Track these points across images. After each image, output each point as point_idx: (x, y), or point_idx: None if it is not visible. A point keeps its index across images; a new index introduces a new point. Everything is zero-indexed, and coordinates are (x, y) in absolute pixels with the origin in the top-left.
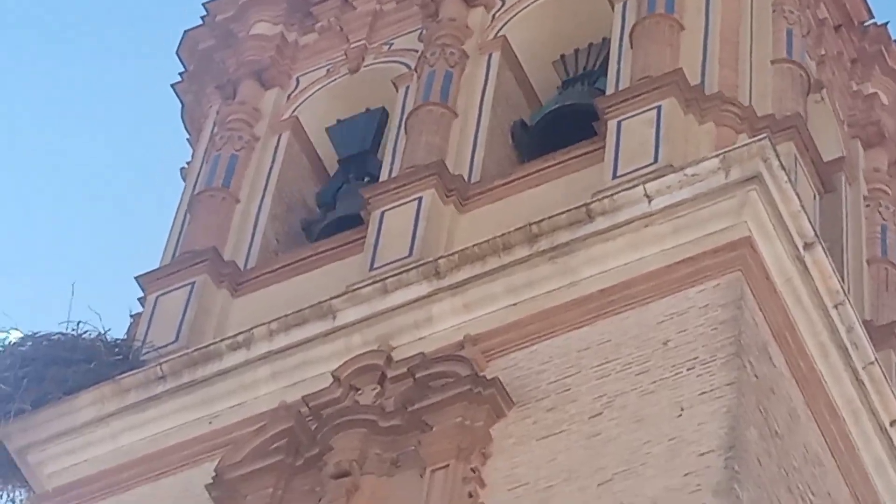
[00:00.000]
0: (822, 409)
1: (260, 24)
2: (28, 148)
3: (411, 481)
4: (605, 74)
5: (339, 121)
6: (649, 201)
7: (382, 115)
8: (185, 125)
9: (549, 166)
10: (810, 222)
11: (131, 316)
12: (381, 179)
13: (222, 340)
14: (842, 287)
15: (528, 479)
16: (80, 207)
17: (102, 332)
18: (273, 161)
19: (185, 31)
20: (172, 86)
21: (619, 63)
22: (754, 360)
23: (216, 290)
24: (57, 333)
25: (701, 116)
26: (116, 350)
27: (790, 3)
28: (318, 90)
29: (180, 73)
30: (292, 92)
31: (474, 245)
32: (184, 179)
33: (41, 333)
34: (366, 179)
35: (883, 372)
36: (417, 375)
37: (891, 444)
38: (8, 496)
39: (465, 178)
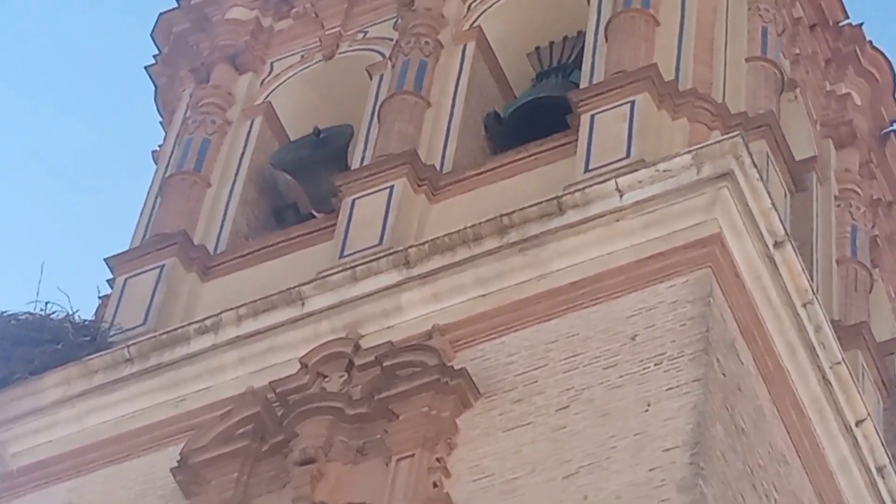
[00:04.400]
0: (789, 407)
1: (235, 9)
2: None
3: (376, 469)
4: (580, 68)
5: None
6: (621, 196)
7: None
8: (157, 108)
9: (521, 158)
10: (781, 221)
11: (100, 297)
12: (353, 167)
13: (190, 324)
14: (811, 286)
15: (493, 470)
16: (51, 187)
17: (71, 312)
18: (245, 146)
19: (160, 14)
20: (146, 68)
21: (593, 57)
22: (722, 357)
23: (185, 273)
24: (25, 313)
25: (674, 112)
26: (84, 331)
27: (766, 1)
28: (292, 76)
29: (154, 56)
30: (266, 77)
31: (445, 235)
32: (155, 162)
33: (9, 313)
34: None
35: (850, 372)
36: (385, 364)
37: (856, 443)
38: None
39: (437, 167)
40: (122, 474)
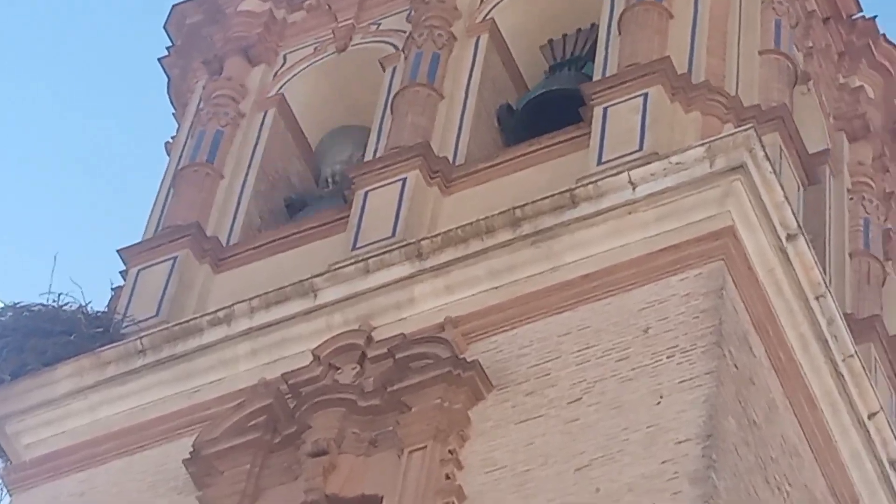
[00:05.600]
0: (801, 400)
1: (248, 1)
2: (14, 119)
3: (389, 461)
4: (593, 60)
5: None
6: (633, 188)
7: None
8: (170, 100)
9: (534, 151)
10: (794, 214)
11: (113, 289)
12: (366, 159)
13: (203, 316)
14: (823, 279)
15: (505, 462)
16: (65, 179)
17: (83, 304)
18: (258, 138)
19: (174, 6)
20: (159, 60)
21: (606, 49)
22: (734, 350)
23: (198, 265)
24: (38, 304)
25: (687, 105)
26: (97, 323)
27: None
28: (305, 68)
29: (167, 48)
30: (279, 69)
31: (457, 227)
32: (168, 154)
33: (22, 304)
34: None
35: (862, 365)
36: (397, 356)
37: (868, 436)
38: None
39: (450, 160)
40: (135, 466)
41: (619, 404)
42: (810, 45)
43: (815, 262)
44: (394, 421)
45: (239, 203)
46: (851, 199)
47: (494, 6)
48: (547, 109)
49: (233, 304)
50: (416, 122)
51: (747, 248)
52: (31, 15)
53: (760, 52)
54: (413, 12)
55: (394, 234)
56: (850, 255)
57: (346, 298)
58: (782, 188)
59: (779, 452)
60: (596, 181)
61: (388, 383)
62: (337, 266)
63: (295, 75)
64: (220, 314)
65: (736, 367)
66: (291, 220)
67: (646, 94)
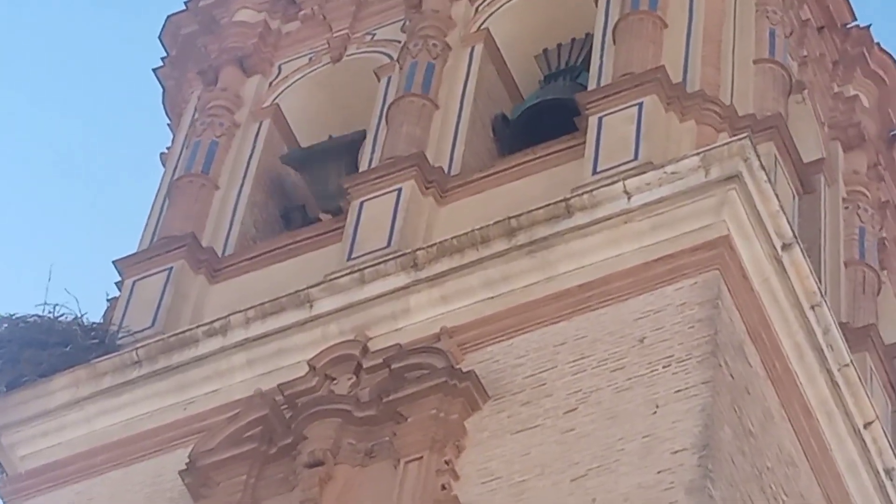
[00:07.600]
0: (797, 409)
1: (243, 11)
2: (8, 129)
3: (385, 472)
4: (588, 70)
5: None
6: (628, 198)
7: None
8: (165, 110)
9: (529, 160)
10: (789, 223)
11: (108, 300)
12: (361, 170)
13: (198, 327)
14: (819, 288)
15: (501, 472)
16: (60, 190)
17: (79, 315)
18: (253, 148)
19: (168, 16)
20: (154, 70)
21: (601, 59)
22: (730, 360)
23: (193, 276)
24: (33, 316)
25: (682, 114)
26: (92, 334)
27: (773, 3)
28: (299, 78)
29: (162, 58)
30: (274, 79)
31: (453, 237)
32: (163, 165)
33: (17, 315)
34: None
35: (858, 374)
36: (393, 366)
37: (864, 445)
38: None
39: (445, 170)
40: (131, 477)
41: (615, 414)
42: (805, 54)
43: (811, 272)
44: (390, 431)
45: (234, 214)
46: (846, 208)
47: (489, 16)
48: (542, 119)
49: (228, 315)
50: (411, 133)
51: (742, 257)
52: (23, 25)
53: (755, 62)
54: (408, 22)
55: (389, 245)
56: (846, 264)
57: (342, 309)
58: (777, 197)
59: (775, 462)
60: (591, 191)
61: (384, 394)
62: (332, 276)
63: (290, 86)
64: (216, 325)
65: (731, 376)
66: (287, 230)
67: (640, 104)
